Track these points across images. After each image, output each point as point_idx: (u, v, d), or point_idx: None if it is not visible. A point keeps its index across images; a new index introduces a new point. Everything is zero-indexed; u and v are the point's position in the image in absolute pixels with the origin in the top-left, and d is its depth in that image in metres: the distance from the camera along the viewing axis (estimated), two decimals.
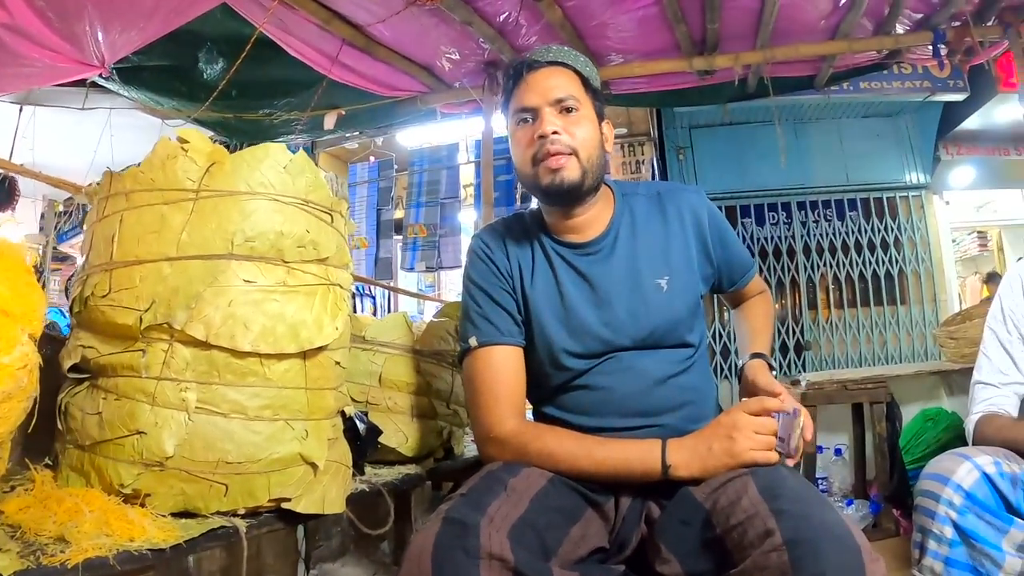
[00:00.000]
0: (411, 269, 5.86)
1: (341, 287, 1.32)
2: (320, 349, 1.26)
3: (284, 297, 1.22)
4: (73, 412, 1.21)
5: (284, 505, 1.22)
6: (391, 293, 8.00)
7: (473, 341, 1.38)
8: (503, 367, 1.36)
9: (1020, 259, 1.83)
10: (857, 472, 3.52)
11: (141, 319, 1.16)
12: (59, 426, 1.23)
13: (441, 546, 1.01)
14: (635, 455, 1.22)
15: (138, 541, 1.04)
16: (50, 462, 1.24)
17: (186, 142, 1.23)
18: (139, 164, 1.25)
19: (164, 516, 1.14)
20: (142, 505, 1.14)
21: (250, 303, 1.19)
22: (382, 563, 2.34)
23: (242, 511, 1.19)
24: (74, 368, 1.22)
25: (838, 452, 3.57)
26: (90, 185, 1.37)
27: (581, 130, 1.36)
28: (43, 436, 1.21)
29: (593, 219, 1.43)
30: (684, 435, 1.26)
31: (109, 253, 1.21)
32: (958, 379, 3.79)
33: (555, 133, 1.33)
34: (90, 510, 1.06)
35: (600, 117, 1.43)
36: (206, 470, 1.16)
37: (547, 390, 1.42)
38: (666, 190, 1.49)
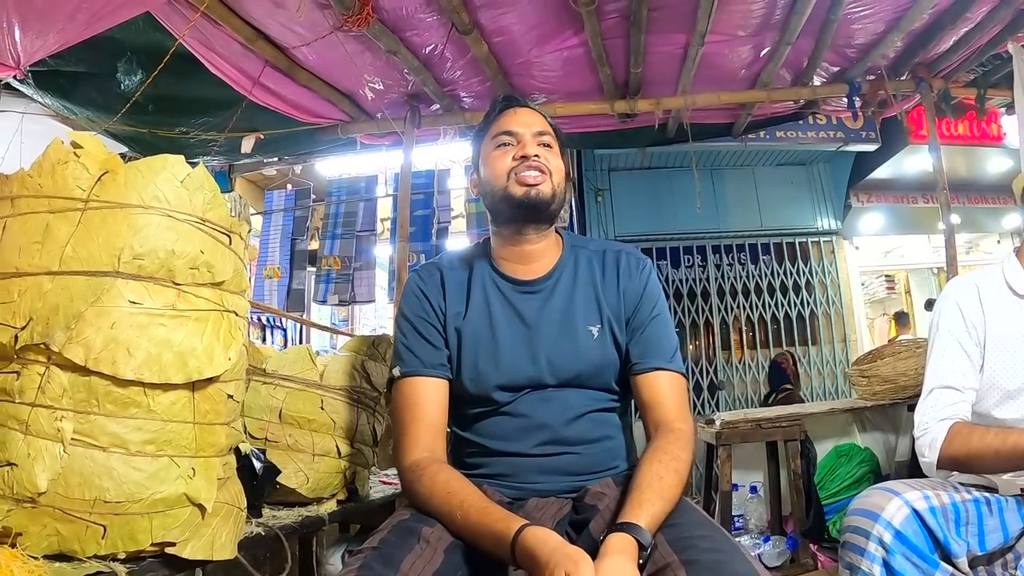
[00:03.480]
0: (324, 302, 5.71)
1: (236, 314, 1.23)
2: (211, 380, 1.16)
3: (173, 322, 1.12)
4: None
5: (169, 550, 1.11)
6: (302, 326, 7.80)
7: (397, 371, 1.42)
8: (421, 398, 1.38)
9: (956, 278, 1.79)
10: (773, 509, 3.57)
11: (17, 337, 1.05)
12: None
13: None
14: (490, 536, 1.13)
15: None
16: None
17: (79, 147, 1.13)
18: (28, 167, 1.14)
19: (36, 559, 1.03)
20: (12, 545, 1.03)
21: (135, 326, 1.09)
22: None
23: (123, 555, 1.08)
24: None
25: (753, 490, 3.60)
26: None
27: (555, 161, 1.49)
28: None
29: (541, 254, 1.49)
30: (599, 468, 1.36)
31: None
32: (870, 416, 3.92)
33: (536, 156, 1.44)
34: None
35: (564, 163, 1.54)
36: (82, 509, 1.05)
37: (469, 417, 1.43)
38: (614, 249, 1.54)
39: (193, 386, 1.14)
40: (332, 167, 6.21)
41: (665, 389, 1.39)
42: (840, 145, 5.80)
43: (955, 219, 5.95)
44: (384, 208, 6.04)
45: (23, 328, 1.05)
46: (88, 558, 1.06)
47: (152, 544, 1.09)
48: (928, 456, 1.53)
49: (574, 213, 6.11)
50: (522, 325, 1.43)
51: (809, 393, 6.29)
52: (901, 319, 8.16)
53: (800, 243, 6.64)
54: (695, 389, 6.23)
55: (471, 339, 1.42)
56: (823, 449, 3.81)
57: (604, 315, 1.44)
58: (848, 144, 5.78)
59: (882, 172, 6.31)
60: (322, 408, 1.69)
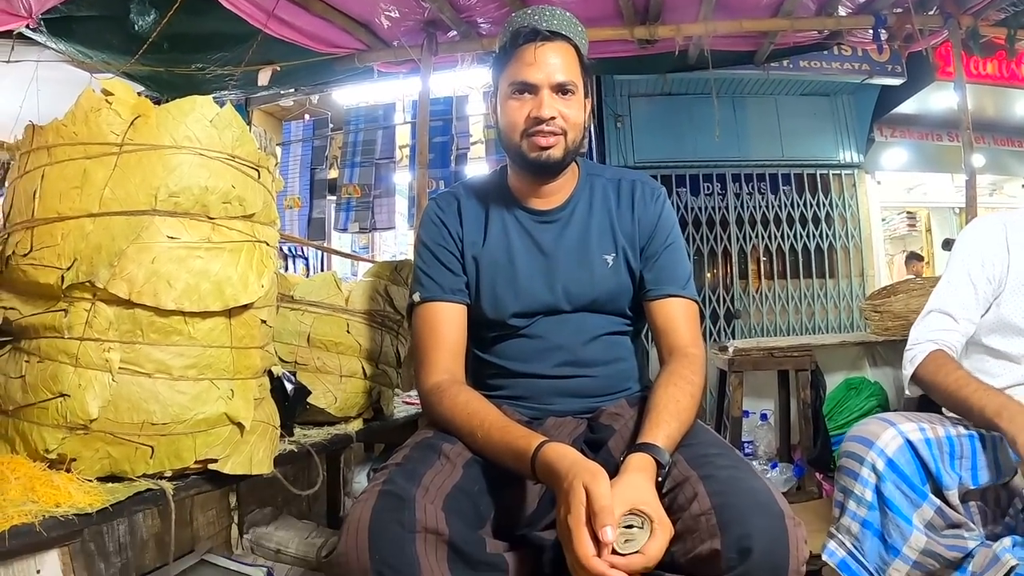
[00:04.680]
0: (344, 230, 5.76)
1: (267, 244, 1.30)
2: (245, 307, 1.24)
3: (208, 254, 1.19)
4: None
5: (211, 466, 1.21)
6: (324, 254, 7.88)
7: (416, 296, 1.47)
8: (440, 323, 1.43)
9: (984, 216, 1.81)
10: (782, 437, 3.65)
11: (63, 278, 1.12)
12: None
13: (378, 520, 1.04)
14: (510, 452, 1.20)
15: (64, 507, 1.02)
16: None
17: (110, 94, 1.18)
18: (62, 117, 1.20)
19: (90, 481, 1.12)
20: (68, 470, 1.12)
21: (174, 260, 1.16)
22: (315, 525, 2.34)
23: (169, 473, 1.18)
24: None
25: (763, 417, 3.68)
26: (12, 140, 1.30)
27: (574, 113, 1.42)
28: None
29: (558, 189, 1.51)
30: (613, 389, 1.42)
31: (31, 210, 1.17)
32: (882, 351, 3.95)
33: (552, 119, 1.39)
34: (15, 477, 1.05)
35: (587, 94, 1.48)
36: (131, 432, 1.14)
37: (488, 340, 1.50)
38: (629, 178, 1.55)
39: (229, 313, 1.22)
40: (350, 96, 6.14)
41: (678, 315, 1.44)
42: (865, 78, 5.64)
43: (979, 160, 5.88)
44: (403, 135, 6.01)
45: (68, 268, 1.12)
46: (137, 477, 1.16)
47: (196, 462, 1.19)
48: (907, 370, 1.63)
49: (593, 139, 6.04)
50: (540, 254, 1.47)
51: (824, 327, 6.33)
52: (912, 259, 8.10)
53: (821, 175, 6.53)
54: (711, 317, 6.25)
55: (489, 268, 1.47)
56: (833, 381, 3.87)
57: (619, 244, 1.48)
58: (873, 77, 5.62)
59: (907, 107, 6.15)
60: (348, 332, 1.77)
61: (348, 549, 1.03)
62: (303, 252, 8.00)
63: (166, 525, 1.66)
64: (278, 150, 6.14)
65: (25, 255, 1.15)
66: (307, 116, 6.64)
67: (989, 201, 8.02)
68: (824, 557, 1.49)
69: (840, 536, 1.49)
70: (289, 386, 1.46)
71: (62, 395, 1.12)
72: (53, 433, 1.12)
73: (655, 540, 1.00)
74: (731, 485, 1.09)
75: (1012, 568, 1.34)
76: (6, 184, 1.30)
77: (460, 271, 1.48)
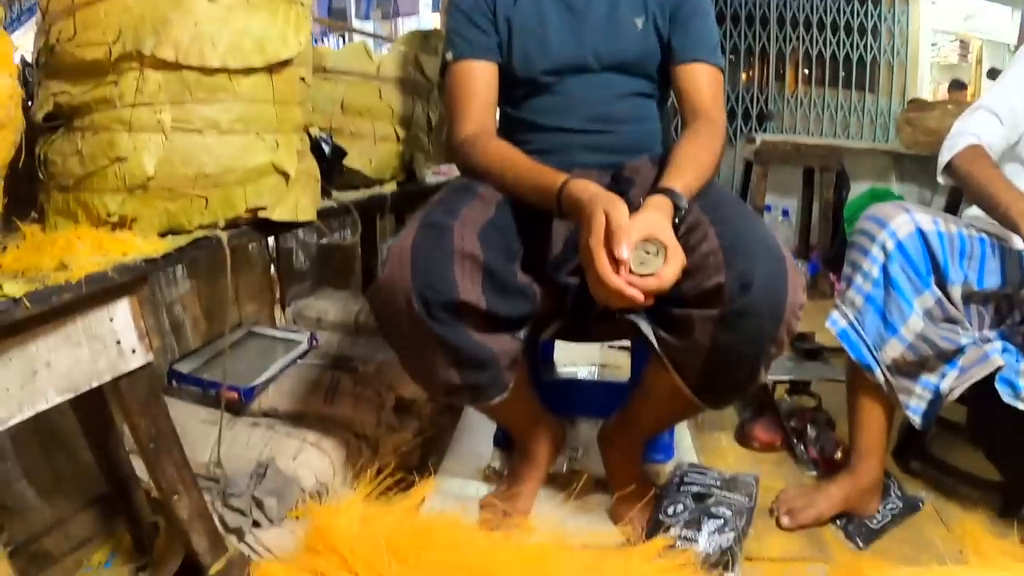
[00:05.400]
0: (367, 17, 5.57)
1: (302, 4, 1.32)
2: (286, 64, 1.28)
3: (248, 13, 1.22)
4: (53, 159, 1.23)
5: (260, 214, 1.30)
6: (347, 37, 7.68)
7: (449, 56, 1.51)
8: (472, 79, 1.48)
9: None
10: (801, 234, 3.72)
11: (111, 51, 1.15)
12: (40, 176, 1.26)
13: (419, 247, 1.15)
14: (537, 189, 1.28)
15: (131, 255, 1.11)
16: (36, 215, 1.28)
17: None
18: None
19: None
20: (129, 230, 1.21)
21: (216, 20, 1.18)
22: (351, 293, 2.51)
23: (222, 223, 1.27)
24: (48, 117, 1.23)
25: (785, 213, 3.74)
26: None
27: None
28: (23, 205, 1.25)
29: None
30: (638, 147, 1.49)
31: None
32: (910, 166, 3.91)
33: None
34: (83, 242, 1.12)
35: None
36: (186, 185, 1.21)
37: (518, 97, 1.55)
38: None
39: (271, 70, 1.26)
40: None
41: (703, 80, 1.47)
42: None
43: None
44: None
45: (115, 42, 1.15)
46: (194, 229, 1.25)
47: (246, 210, 1.28)
48: (943, 156, 1.60)
49: None
50: (570, 14, 1.50)
51: (857, 139, 6.15)
52: (954, 88, 7.71)
53: None
54: (743, 116, 6.10)
55: (521, 26, 1.49)
56: (859, 189, 3.86)
57: (649, 8, 1.49)
58: None
59: None
60: (380, 98, 1.81)
61: (392, 274, 1.14)
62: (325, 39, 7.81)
63: (222, 278, 1.79)
64: None
65: (70, 39, 1.17)
66: None
67: None
68: (827, 325, 1.57)
69: (844, 308, 1.55)
70: (326, 147, 1.53)
71: (119, 159, 1.18)
72: (113, 197, 1.19)
73: (669, 266, 1.08)
74: (739, 230, 1.18)
75: (998, 368, 1.41)
76: None
77: (492, 31, 1.50)
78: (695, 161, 1.29)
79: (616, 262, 1.07)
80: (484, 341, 1.19)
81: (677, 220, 1.18)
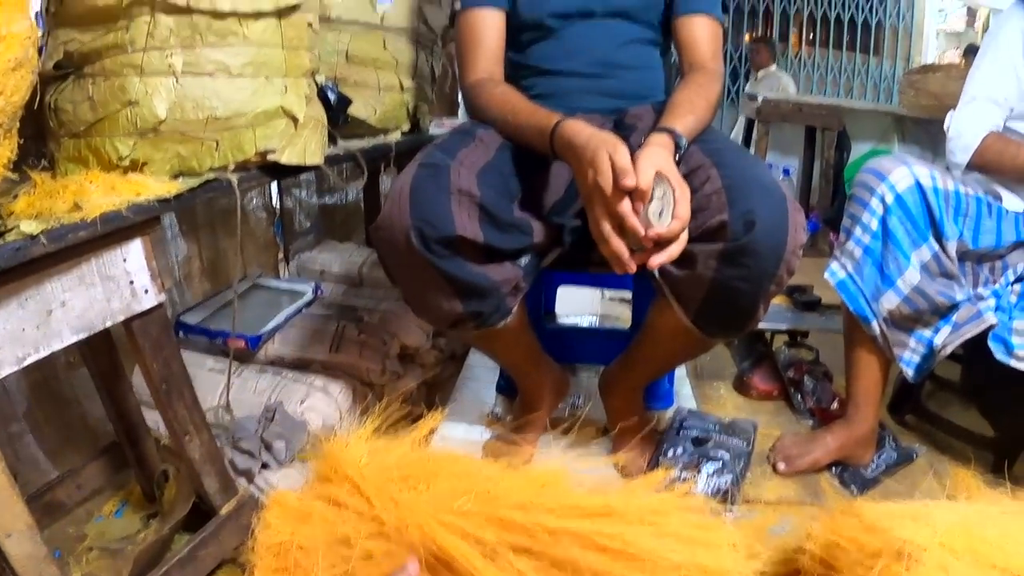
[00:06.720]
0: None
1: None
2: (294, 8, 1.30)
3: None
4: (63, 106, 1.24)
5: (270, 157, 1.31)
6: None
7: (458, 4, 1.53)
8: (481, 27, 1.50)
9: None
10: (802, 194, 3.72)
11: None
12: (51, 124, 1.26)
13: (417, 185, 1.16)
14: (533, 131, 1.29)
15: (144, 195, 1.13)
16: (47, 164, 1.27)
17: None
18: None
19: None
20: (141, 173, 1.22)
21: None
22: (355, 246, 2.52)
23: (232, 166, 1.29)
24: (57, 66, 1.24)
25: (786, 172, 3.74)
26: None
27: None
28: (29, 156, 1.23)
29: None
30: (641, 94, 1.53)
31: None
32: (912, 128, 3.89)
33: None
34: (96, 185, 1.14)
35: None
36: (197, 128, 1.23)
37: (524, 42, 1.57)
38: None
39: (280, 14, 1.27)
40: None
41: (703, 32, 1.48)
42: None
43: None
44: None
45: None
46: (205, 171, 1.26)
47: (256, 153, 1.29)
48: (959, 158, 1.57)
49: None
50: None
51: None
52: (968, 53, 7.63)
53: None
54: (746, 76, 6.08)
55: None
56: (860, 150, 3.85)
57: None
58: None
59: None
60: (384, 48, 1.81)
61: (391, 211, 1.17)
62: None
63: (232, 219, 1.80)
64: None
65: None
66: None
67: None
68: (825, 276, 1.59)
69: (843, 259, 1.57)
70: (332, 96, 1.53)
71: (131, 103, 1.19)
72: (125, 141, 1.20)
73: (681, 202, 1.10)
74: (741, 171, 1.20)
75: (991, 326, 1.43)
76: None
77: None
78: (692, 105, 1.31)
79: (632, 199, 1.08)
80: (484, 271, 1.22)
81: (677, 158, 1.20)
